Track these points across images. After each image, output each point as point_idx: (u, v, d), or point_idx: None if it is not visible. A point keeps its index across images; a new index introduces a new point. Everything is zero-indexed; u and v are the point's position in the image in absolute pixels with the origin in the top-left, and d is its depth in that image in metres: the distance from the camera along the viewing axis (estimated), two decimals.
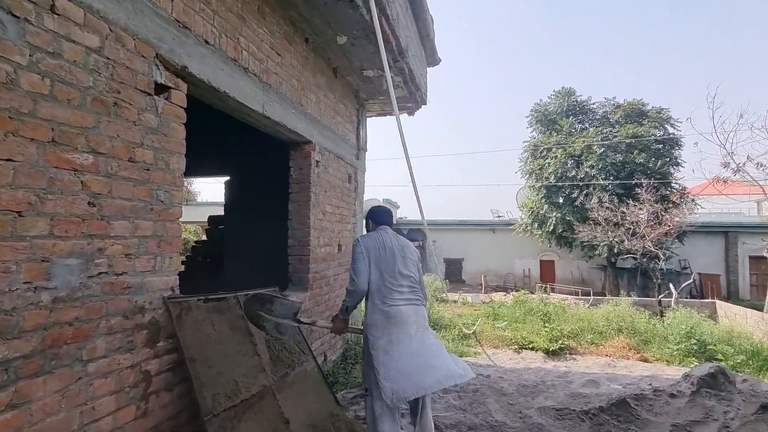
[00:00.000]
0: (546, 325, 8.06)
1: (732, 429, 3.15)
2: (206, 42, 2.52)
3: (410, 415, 2.64)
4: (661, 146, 17.52)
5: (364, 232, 3.00)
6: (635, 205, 14.28)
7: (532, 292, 13.23)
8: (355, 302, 2.64)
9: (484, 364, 5.83)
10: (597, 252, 16.79)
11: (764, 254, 12.98)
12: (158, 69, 2.15)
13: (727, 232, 19.28)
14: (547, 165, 18.42)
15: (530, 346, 7.31)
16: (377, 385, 2.32)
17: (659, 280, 13.31)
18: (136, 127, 2.01)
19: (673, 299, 11.46)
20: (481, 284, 19.46)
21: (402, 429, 2.83)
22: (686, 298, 14.40)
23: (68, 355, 1.69)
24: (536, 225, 18.96)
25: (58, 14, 1.64)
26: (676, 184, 17.33)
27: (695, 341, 7.20)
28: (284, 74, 3.52)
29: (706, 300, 13.51)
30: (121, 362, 1.93)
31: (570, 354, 7.16)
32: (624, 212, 14.24)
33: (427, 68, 6.35)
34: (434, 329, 7.96)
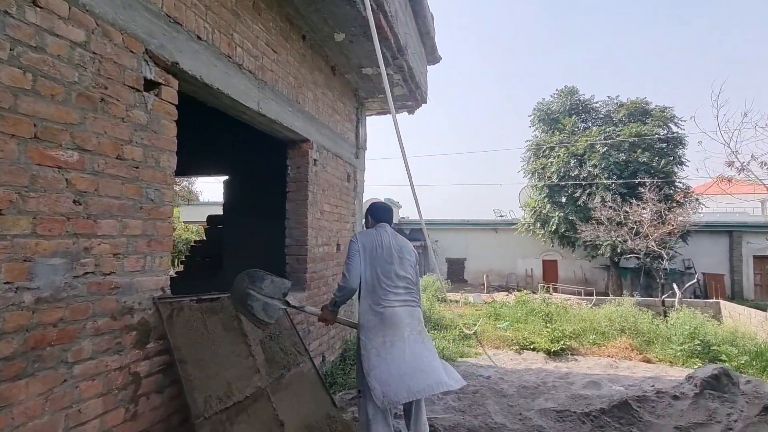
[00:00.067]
0: (548, 325, 7.98)
1: (735, 431, 3.08)
2: (198, 38, 2.47)
3: (404, 417, 2.59)
4: (664, 145, 17.40)
5: (363, 228, 2.96)
6: (638, 205, 14.17)
7: (535, 292, 13.13)
8: (344, 298, 2.61)
9: (484, 365, 5.78)
10: (600, 252, 16.69)
11: None
12: (148, 65, 2.11)
13: (732, 232, 19.13)
14: (549, 164, 18.31)
15: (531, 347, 7.23)
16: (369, 387, 2.27)
17: (663, 280, 13.20)
18: (124, 123, 1.97)
19: (676, 299, 11.34)
20: (483, 284, 19.38)
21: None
22: (690, 298, 14.28)
23: (52, 357, 1.64)
24: (539, 224, 18.86)
25: (40, 7, 1.59)
26: (680, 183, 17.20)
27: (699, 342, 7.11)
28: (280, 71, 3.48)
29: (710, 300, 13.39)
30: (109, 364, 1.89)
31: (572, 355, 7.08)
32: (627, 212, 14.13)
33: (428, 66, 6.30)
34: (435, 329, 7.91)
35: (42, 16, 1.60)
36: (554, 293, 15.26)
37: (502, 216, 23.43)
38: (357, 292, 2.60)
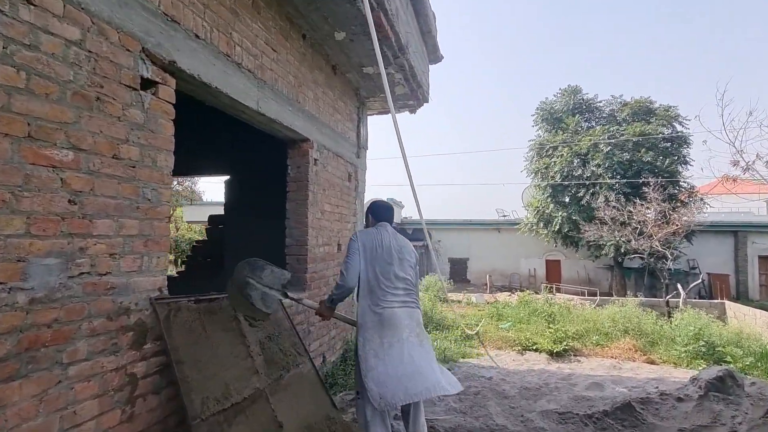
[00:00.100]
0: (550, 326, 7.93)
1: None
2: (197, 36, 2.45)
3: (402, 419, 2.56)
4: (669, 144, 17.28)
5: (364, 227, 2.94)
6: (642, 204, 14.08)
7: (538, 293, 13.07)
8: (342, 297, 2.59)
9: (486, 366, 5.74)
10: (603, 252, 16.60)
11: None
12: (144, 63, 2.09)
13: (737, 232, 18.98)
14: (552, 164, 18.23)
15: (534, 348, 7.19)
16: (366, 388, 2.25)
17: (667, 280, 13.10)
18: (120, 122, 1.95)
19: (681, 300, 11.26)
20: (486, 284, 19.32)
21: None
22: (695, 298, 14.18)
23: (47, 357, 1.63)
24: (542, 224, 18.79)
25: (34, 5, 1.58)
26: (685, 182, 17.08)
27: (704, 343, 7.04)
28: (280, 70, 3.46)
29: (715, 300, 13.28)
30: (105, 365, 1.87)
31: (574, 356, 7.03)
32: (631, 211, 14.04)
33: (430, 65, 6.27)
34: (437, 330, 7.88)
35: (36, 14, 1.59)
36: (557, 293, 15.19)
37: (505, 216, 23.36)
38: (356, 292, 2.58)
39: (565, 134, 18.43)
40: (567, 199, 18.01)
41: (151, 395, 2.13)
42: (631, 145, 16.82)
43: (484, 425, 3.31)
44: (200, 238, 8.77)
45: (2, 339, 1.48)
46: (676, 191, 16.15)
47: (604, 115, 19.34)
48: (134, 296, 2.03)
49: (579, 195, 17.33)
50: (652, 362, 6.87)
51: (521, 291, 13.29)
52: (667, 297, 11.69)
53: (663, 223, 13.42)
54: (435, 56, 6.20)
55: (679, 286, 12.30)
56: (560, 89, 20.18)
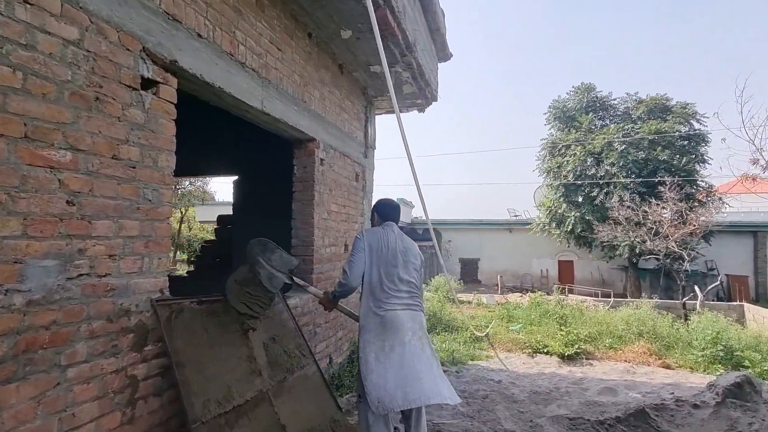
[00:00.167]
0: (562, 328, 7.78)
1: None
2: (199, 35, 2.43)
3: (404, 423, 2.50)
4: (686, 142, 16.89)
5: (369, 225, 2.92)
6: (658, 204, 13.77)
7: (550, 293, 12.88)
8: (343, 295, 2.58)
9: (495, 369, 5.65)
10: (618, 252, 16.28)
11: None
12: (145, 63, 2.07)
13: (756, 232, 18.48)
14: (565, 163, 17.96)
15: (545, 350, 7.05)
16: (365, 391, 2.21)
17: (684, 282, 12.80)
18: (120, 123, 1.94)
19: (698, 302, 10.97)
20: (497, 285, 19.13)
21: None
22: (712, 300, 13.83)
23: (45, 360, 1.62)
24: (554, 224, 18.53)
25: (31, 4, 1.57)
26: (702, 181, 16.68)
27: (721, 347, 6.83)
28: (285, 70, 3.43)
29: (734, 303, 12.92)
30: (105, 367, 1.86)
31: (586, 359, 6.89)
32: (646, 211, 13.75)
33: (438, 63, 6.19)
34: (445, 331, 7.80)
35: (33, 13, 1.57)
36: (570, 294, 14.96)
37: (516, 216, 23.12)
38: (359, 290, 2.55)
39: (578, 133, 18.13)
40: (580, 199, 17.73)
41: (153, 397, 2.11)
42: (646, 144, 16.47)
43: (491, 430, 3.24)
44: (211, 238, 8.82)
45: None
46: (693, 190, 15.78)
47: (619, 113, 18.98)
48: (135, 298, 2.02)
49: (592, 194, 17.04)
50: (668, 367, 6.69)
51: (533, 292, 13.11)
52: (684, 299, 11.41)
53: (680, 223, 13.12)
54: (444, 54, 6.12)
55: (696, 287, 11.98)
56: (573, 87, 19.89)
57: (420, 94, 5.55)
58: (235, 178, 6.87)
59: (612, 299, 12.79)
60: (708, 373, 6.25)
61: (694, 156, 16.56)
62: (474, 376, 5.02)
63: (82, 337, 1.76)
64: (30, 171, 1.57)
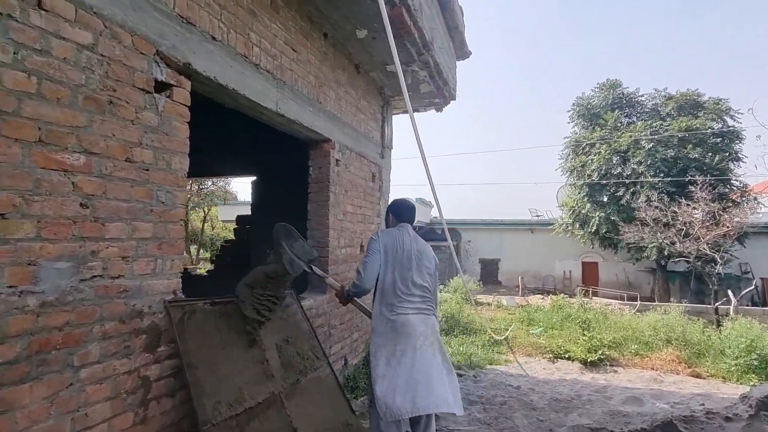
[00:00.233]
0: (585, 332, 7.55)
1: None
2: (213, 38, 2.44)
3: (412, 429, 2.44)
4: (719, 140, 16.18)
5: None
6: (689, 205, 13.22)
7: (573, 296, 12.53)
8: (357, 296, 2.58)
9: (514, 374, 5.52)
10: (645, 254, 15.72)
11: None
12: (159, 66, 2.09)
13: None
14: (590, 162, 17.48)
15: (566, 356, 6.85)
16: (374, 396, 2.16)
17: (716, 286, 12.25)
18: (133, 126, 1.95)
19: (731, 307, 10.47)
20: (518, 286, 18.79)
21: None
22: (747, 305, 13.18)
23: (58, 360, 1.64)
24: (578, 225, 18.06)
25: (45, 10, 1.59)
26: (736, 180, 15.94)
27: (756, 356, 6.47)
28: (300, 71, 3.42)
29: None
30: (118, 368, 1.88)
31: (611, 366, 6.65)
32: (675, 212, 13.22)
33: (457, 61, 6.09)
34: (463, 334, 7.68)
35: (47, 19, 1.60)
36: (594, 297, 14.54)
37: (538, 216, 22.66)
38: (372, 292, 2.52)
39: (603, 131, 17.61)
40: (605, 199, 17.22)
41: (165, 398, 2.13)
42: (676, 141, 15.85)
43: None
44: (231, 238, 8.97)
45: (12, 342, 1.49)
46: (726, 190, 15.10)
47: (647, 110, 18.35)
48: (147, 299, 2.03)
49: (618, 194, 16.51)
50: (698, 376, 6.39)
51: (555, 294, 12.80)
52: (716, 304, 10.92)
53: (712, 224, 12.56)
54: (462, 52, 6.02)
55: (729, 292, 11.45)
56: (598, 84, 19.32)
57: (438, 93, 5.47)
58: (253, 178, 6.94)
59: (638, 303, 12.36)
60: (741, 384, 5.94)
61: (727, 154, 15.83)
62: (492, 381, 4.91)
63: (94, 338, 1.78)
64: (44, 174, 1.59)
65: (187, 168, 2.27)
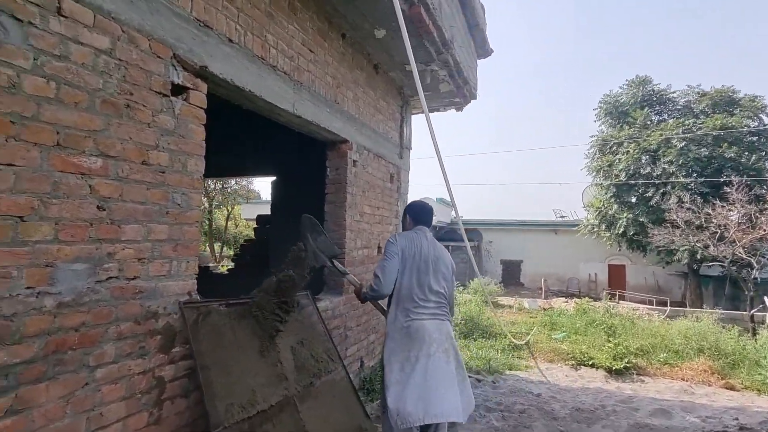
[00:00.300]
0: (610, 339, 7.28)
1: None
2: (230, 41, 2.45)
3: None
4: (755, 138, 15.39)
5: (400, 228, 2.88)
6: (723, 206, 12.63)
7: (598, 299, 12.15)
8: (375, 299, 2.55)
9: (535, 381, 5.37)
10: (676, 257, 15.12)
11: None
12: (175, 69, 2.10)
13: None
14: (617, 161, 16.94)
15: (590, 363, 6.63)
16: (386, 402, 2.13)
17: (752, 292, 11.65)
18: (150, 129, 1.97)
19: None
20: (541, 288, 18.39)
21: None
22: None
23: (74, 360, 1.67)
24: (604, 226, 17.53)
25: (64, 16, 1.61)
26: None
27: None
28: (318, 71, 3.41)
29: None
30: (132, 368, 1.90)
31: (637, 375, 6.39)
32: (709, 214, 12.65)
33: (478, 60, 5.98)
34: (483, 337, 7.55)
35: (66, 25, 1.62)
36: (621, 301, 14.07)
37: (562, 216, 22.13)
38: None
39: (632, 129, 17.03)
40: (633, 200, 16.66)
41: (180, 398, 2.15)
42: (710, 140, 15.17)
43: None
44: (251, 237, 9.11)
45: (30, 342, 1.52)
46: (764, 191, 14.33)
47: (678, 107, 17.64)
48: (163, 300, 2.06)
49: (647, 195, 15.94)
50: (732, 388, 6.07)
51: (579, 297, 12.45)
52: (752, 311, 10.38)
53: (748, 227, 11.95)
54: (483, 50, 5.90)
55: (765, 298, 10.87)
56: (627, 80, 18.69)
57: (458, 92, 5.38)
58: (273, 178, 7.01)
59: (668, 308, 11.89)
60: None
61: (764, 153, 15.07)
62: (511, 388, 4.79)
63: (110, 339, 1.81)
64: (62, 177, 1.62)
65: (203, 170, 2.29)
